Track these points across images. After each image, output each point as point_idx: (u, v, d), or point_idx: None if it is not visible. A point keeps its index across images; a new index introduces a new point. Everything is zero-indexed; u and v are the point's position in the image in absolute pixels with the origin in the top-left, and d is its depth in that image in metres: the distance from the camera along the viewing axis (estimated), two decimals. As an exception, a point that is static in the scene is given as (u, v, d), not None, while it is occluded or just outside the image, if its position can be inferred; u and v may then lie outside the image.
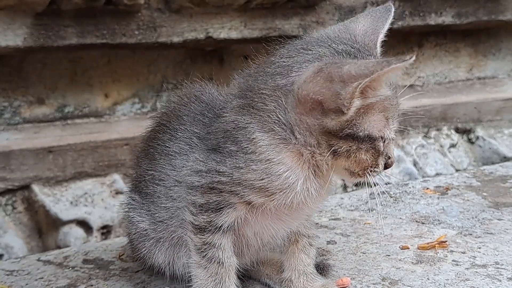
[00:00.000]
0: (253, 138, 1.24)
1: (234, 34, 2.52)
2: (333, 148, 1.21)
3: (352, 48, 1.26)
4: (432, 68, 3.22)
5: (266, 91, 1.25)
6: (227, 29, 2.50)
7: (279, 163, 1.24)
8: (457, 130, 3.11)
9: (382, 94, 1.20)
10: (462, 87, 3.28)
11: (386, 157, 1.28)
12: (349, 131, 1.20)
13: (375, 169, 1.26)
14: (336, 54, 1.24)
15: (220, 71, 2.67)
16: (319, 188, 1.29)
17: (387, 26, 1.33)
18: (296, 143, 1.23)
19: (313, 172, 1.27)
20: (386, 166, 1.29)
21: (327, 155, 1.22)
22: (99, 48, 2.38)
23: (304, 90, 1.19)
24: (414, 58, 1.13)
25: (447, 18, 2.99)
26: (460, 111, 3.10)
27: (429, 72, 3.22)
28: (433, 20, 2.95)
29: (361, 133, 1.20)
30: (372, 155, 1.24)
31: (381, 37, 1.33)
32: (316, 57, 1.23)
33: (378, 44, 1.33)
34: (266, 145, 1.24)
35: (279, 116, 1.23)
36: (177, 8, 2.40)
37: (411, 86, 3.17)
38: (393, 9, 1.35)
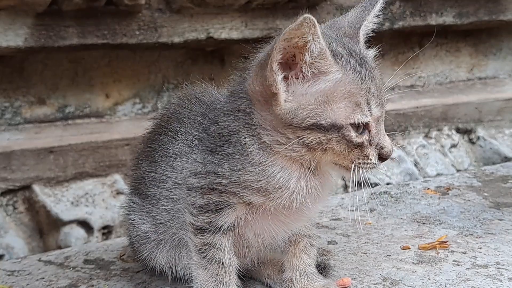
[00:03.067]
0: (244, 143, 1.26)
1: (235, 34, 2.52)
2: (301, 140, 1.20)
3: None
4: (433, 68, 3.22)
5: (243, 94, 1.28)
6: (228, 29, 2.50)
7: (272, 164, 1.25)
8: (458, 130, 3.11)
9: (330, 74, 1.18)
10: (463, 87, 3.27)
11: (378, 147, 1.23)
12: (312, 120, 1.18)
13: (366, 161, 1.22)
14: None
15: (221, 72, 2.67)
16: (318, 186, 1.28)
17: (373, 13, 1.33)
18: (270, 144, 1.24)
19: (312, 170, 1.27)
20: (381, 158, 1.24)
21: (299, 148, 1.22)
22: (100, 48, 2.38)
23: (251, 84, 1.24)
24: (308, 16, 1.12)
25: (448, 18, 2.99)
26: (461, 111, 3.10)
27: (430, 72, 3.22)
28: (434, 20, 2.95)
29: (323, 122, 1.18)
30: (346, 145, 1.20)
31: (365, 24, 1.32)
32: None
33: (361, 32, 1.32)
34: (256, 149, 1.25)
35: (251, 120, 1.26)
36: (177, 9, 2.40)
37: (411, 86, 3.16)
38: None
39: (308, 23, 1.12)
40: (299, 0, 2.58)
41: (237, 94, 1.30)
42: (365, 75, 1.21)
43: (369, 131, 1.22)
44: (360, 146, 1.21)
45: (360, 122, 1.19)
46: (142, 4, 2.30)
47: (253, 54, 1.32)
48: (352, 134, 1.20)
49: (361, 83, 1.21)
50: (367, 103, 1.20)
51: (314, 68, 1.18)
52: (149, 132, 1.56)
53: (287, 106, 1.19)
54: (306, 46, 1.15)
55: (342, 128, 1.19)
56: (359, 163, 1.22)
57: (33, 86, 2.42)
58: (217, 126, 1.31)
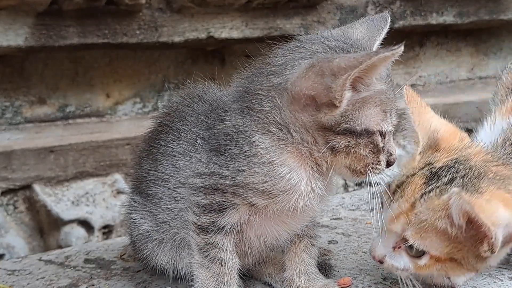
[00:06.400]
0: (253, 141, 1.24)
1: (235, 34, 2.52)
2: (330, 144, 1.21)
3: (345, 44, 1.26)
4: (433, 67, 3.22)
5: (262, 91, 1.26)
6: (228, 28, 2.50)
7: (281, 164, 1.24)
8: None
9: (375, 87, 1.20)
10: (464, 86, 3.28)
11: (388, 154, 1.27)
12: (346, 125, 1.20)
13: (377, 166, 1.26)
14: (328, 49, 1.24)
15: (221, 71, 2.67)
16: (323, 187, 1.28)
17: (383, 35, 1.34)
18: (293, 142, 1.23)
19: (317, 171, 1.27)
20: (388, 164, 1.29)
21: (325, 151, 1.22)
22: (100, 48, 2.39)
23: (297, 87, 1.20)
24: (402, 48, 1.14)
25: (448, 18, 2.99)
26: (461, 111, 3.10)
27: (431, 72, 3.22)
28: (434, 19, 2.95)
29: (358, 127, 1.20)
30: (371, 150, 1.23)
31: (377, 44, 1.33)
32: (309, 54, 1.24)
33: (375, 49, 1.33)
34: (267, 147, 1.24)
35: (275, 116, 1.23)
36: (178, 8, 2.40)
37: (412, 85, 3.16)
38: (389, 19, 1.36)
39: (397, 51, 1.14)
40: (299, 0, 2.58)
41: (253, 88, 1.27)
42: (390, 85, 1.25)
43: (384, 138, 1.25)
44: (378, 151, 1.24)
45: (385, 130, 1.24)
46: (142, 4, 2.31)
47: (265, 53, 1.31)
48: (379, 139, 1.23)
49: (387, 93, 1.24)
50: (390, 112, 1.24)
51: (367, 83, 1.19)
52: (151, 131, 1.55)
53: (335, 114, 1.19)
54: (379, 68, 1.17)
55: (373, 134, 1.22)
56: (372, 168, 1.25)
57: (33, 85, 2.42)
58: (222, 125, 1.30)
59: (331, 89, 1.16)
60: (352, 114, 1.20)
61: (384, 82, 1.23)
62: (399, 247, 1.34)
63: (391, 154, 1.28)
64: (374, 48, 1.32)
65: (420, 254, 1.31)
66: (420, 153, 1.43)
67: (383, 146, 1.25)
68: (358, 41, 1.30)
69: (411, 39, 3.08)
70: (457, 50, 3.27)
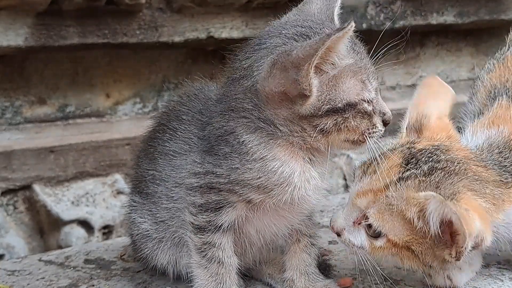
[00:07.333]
0: (242, 141, 1.26)
1: (235, 34, 2.52)
2: (319, 128, 1.22)
3: (302, 27, 1.27)
4: (434, 67, 3.22)
5: (239, 95, 1.27)
6: (228, 28, 2.50)
7: (273, 159, 1.25)
8: (459, 130, 3.11)
9: (342, 63, 1.21)
10: (464, 86, 3.27)
11: (381, 114, 1.29)
12: (327, 107, 1.21)
13: (373, 129, 1.27)
14: (287, 40, 1.25)
15: (221, 71, 2.67)
16: (317, 176, 1.29)
17: None
18: (283, 135, 1.25)
19: (309, 161, 1.28)
20: (385, 123, 1.30)
21: (316, 135, 1.24)
22: (100, 48, 2.38)
23: (266, 87, 1.22)
24: (353, 24, 1.15)
25: (448, 18, 2.98)
26: (461, 111, 3.09)
27: (431, 72, 3.21)
28: (434, 19, 2.95)
29: (339, 104, 1.21)
30: (361, 119, 1.24)
31: (337, 10, 1.35)
32: (270, 49, 1.25)
33: (336, 18, 1.35)
34: (256, 145, 1.25)
35: (259, 114, 1.25)
36: (178, 8, 2.40)
37: (412, 85, 3.16)
38: None
39: (348, 29, 1.14)
40: (300, 0, 2.58)
41: (230, 94, 1.30)
42: (359, 52, 1.26)
43: (371, 102, 1.26)
44: (370, 116, 1.25)
45: (368, 97, 1.24)
46: (142, 4, 2.31)
47: (231, 58, 1.33)
48: (365, 105, 1.24)
49: (360, 62, 1.25)
50: (368, 78, 1.25)
51: (332, 63, 1.20)
52: (149, 131, 1.56)
53: (310, 102, 1.20)
54: (337, 48, 1.18)
55: (357, 104, 1.23)
56: (369, 133, 1.27)
57: (33, 85, 2.42)
58: (211, 127, 1.31)
59: (298, 81, 1.17)
60: (329, 95, 1.20)
61: (352, 55, 1.23)
62: (359, 223, 1.33)
63: (384, 114, 1.29)
64: (335, 15, 1.34)
65: (377, 235, 1.30)
66: (406, 129, 1.43)
67: (373, 109, 1.26)
68: (317, 16, 1.32)
69: (411, 39, 3.07)
70: (458, 50, 3.27)
